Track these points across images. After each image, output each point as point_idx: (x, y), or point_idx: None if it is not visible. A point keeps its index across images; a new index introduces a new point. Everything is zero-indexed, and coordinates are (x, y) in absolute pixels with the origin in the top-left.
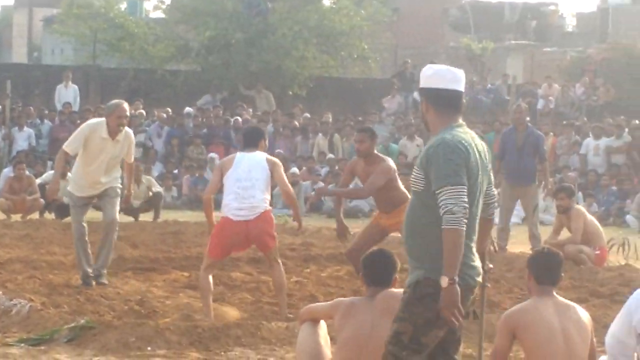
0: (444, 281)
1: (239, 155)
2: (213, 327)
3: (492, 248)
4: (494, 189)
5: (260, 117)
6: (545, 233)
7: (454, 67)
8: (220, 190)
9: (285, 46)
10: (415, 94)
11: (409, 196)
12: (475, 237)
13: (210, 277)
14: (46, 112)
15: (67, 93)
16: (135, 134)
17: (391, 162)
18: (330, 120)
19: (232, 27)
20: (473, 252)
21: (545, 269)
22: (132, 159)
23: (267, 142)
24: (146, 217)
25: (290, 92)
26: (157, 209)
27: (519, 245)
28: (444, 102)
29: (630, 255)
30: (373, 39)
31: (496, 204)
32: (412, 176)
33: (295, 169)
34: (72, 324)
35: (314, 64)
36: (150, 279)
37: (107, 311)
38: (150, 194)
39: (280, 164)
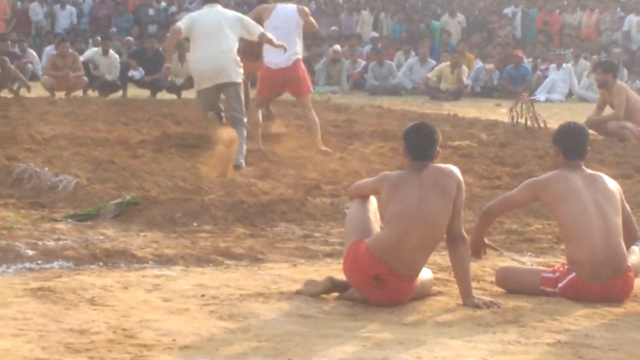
0: None
1: (278, 7)
2: (258, 203)
3: (536, 125)
4: None
5: None
6: (588, 110)
7: None
8: None
9: None
10: None
11: None
12: None
13: (260, 113)
14: None
15: None
16: (179, 12)
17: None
18: None
19: None
20: None
21: (573, 143)
22: None
23: None
24: (189, 94)
25: None
26: None
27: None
28: None
29: None
30: None
31: None
32: None
33: (337, 47)
34: (118, 200)
35: None
36: (195, 156)
37: (153, 187)
38: None
39: (308, 12)
